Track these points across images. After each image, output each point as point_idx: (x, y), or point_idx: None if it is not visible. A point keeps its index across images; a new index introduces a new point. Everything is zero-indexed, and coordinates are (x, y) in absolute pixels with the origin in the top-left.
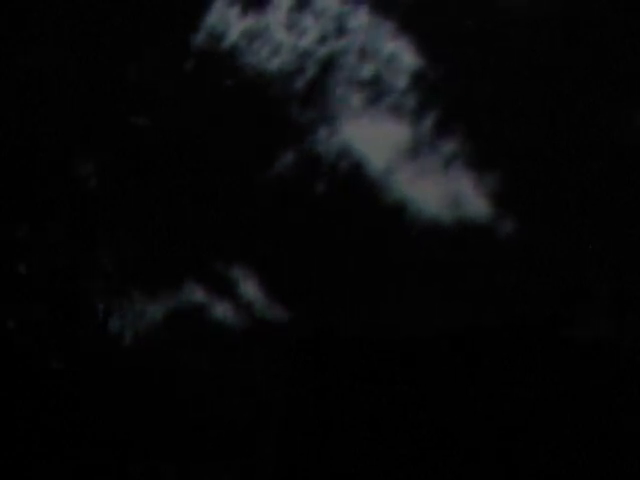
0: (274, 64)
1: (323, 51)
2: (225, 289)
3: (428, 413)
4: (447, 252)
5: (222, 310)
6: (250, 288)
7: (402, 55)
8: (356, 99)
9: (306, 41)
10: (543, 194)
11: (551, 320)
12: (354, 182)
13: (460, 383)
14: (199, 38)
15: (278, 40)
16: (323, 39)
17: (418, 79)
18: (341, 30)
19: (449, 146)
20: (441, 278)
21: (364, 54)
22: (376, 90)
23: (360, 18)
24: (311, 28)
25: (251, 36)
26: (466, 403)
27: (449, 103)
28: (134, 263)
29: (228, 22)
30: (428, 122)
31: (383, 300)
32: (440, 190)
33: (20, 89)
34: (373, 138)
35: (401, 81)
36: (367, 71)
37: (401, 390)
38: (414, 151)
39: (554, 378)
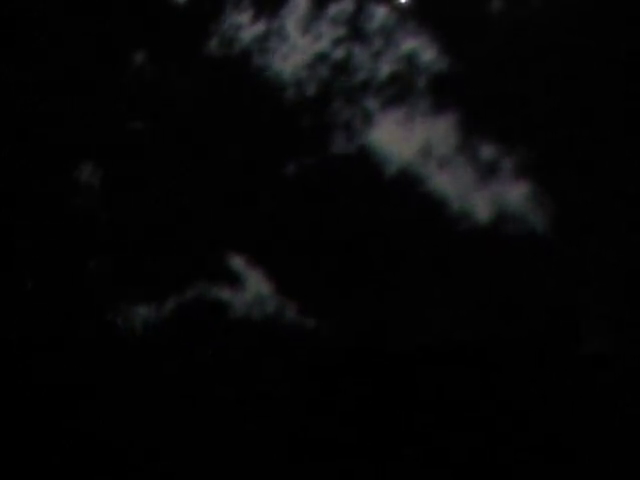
0: (288, 66)
1: (339, 52)
2: (237, 288)
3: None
4: (460, 258)
5: (233, 310)
6: (266, 291)
7: (422, 54)
8: (375, 100)
9: (322, 43)
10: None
11: (556, 334)
12: (375, 184)
13: (465, 395)
14: (212, 41)
15: (292, 42)
16: (339, 40)
17: (439, 78)
18: (358, 31)
19: (474, 146)
20: (447, 283)
21: (382, 54)
22: (396, 90)
23: (377, 18)
24: (327, 29)
25: (265, 38)
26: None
27: (472, 102)
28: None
29: (241, 24)
30: (451, 121)
31: (406, 307)
32: (459, 192)
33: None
34: (395, 139)
35: (421, 81)
36: (385, 71)
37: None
38: (438, 152)
39: (558, 392)
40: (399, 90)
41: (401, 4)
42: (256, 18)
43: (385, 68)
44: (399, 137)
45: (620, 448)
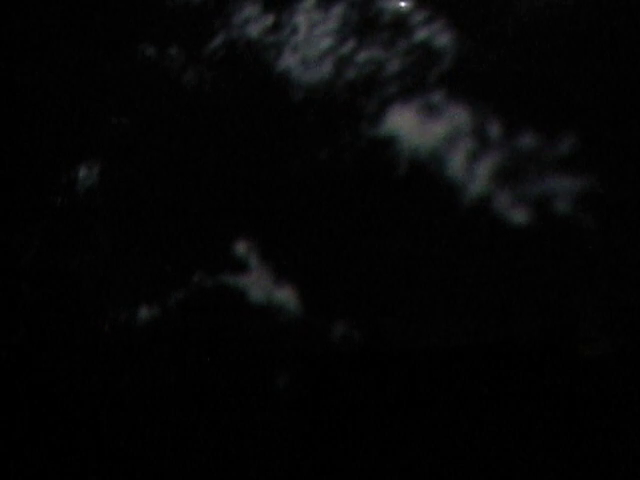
0: (296, 61)
1: (352, 44)
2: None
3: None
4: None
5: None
6: (285, 292)
7: (439, 42)
8: (391, 91)
9: (332, 37)
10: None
11: (554, 336)
12: (391, 178)
13: (467, 399)
14: (219, 37)
15: (302, 33)
16: (352, 32)
17: (457, 66)
18: (370, 21)
19: (497, 136)
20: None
21: (397, 44)
22: (413, 81)
23: (391, 7)
24: (337, 21)
25: (273, 32)
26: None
27: (492, 90)
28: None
29: (249, 19)
30: (473, 110)
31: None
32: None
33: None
34: (414, 131)
35: (437, 71)
36: (401, 63)
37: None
38: (460, 145)
39: (558, 395)
40: (416, 80)
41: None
42: (265, 9)
43: (400, 57)
44: (418, 129)
45: (622, 451)
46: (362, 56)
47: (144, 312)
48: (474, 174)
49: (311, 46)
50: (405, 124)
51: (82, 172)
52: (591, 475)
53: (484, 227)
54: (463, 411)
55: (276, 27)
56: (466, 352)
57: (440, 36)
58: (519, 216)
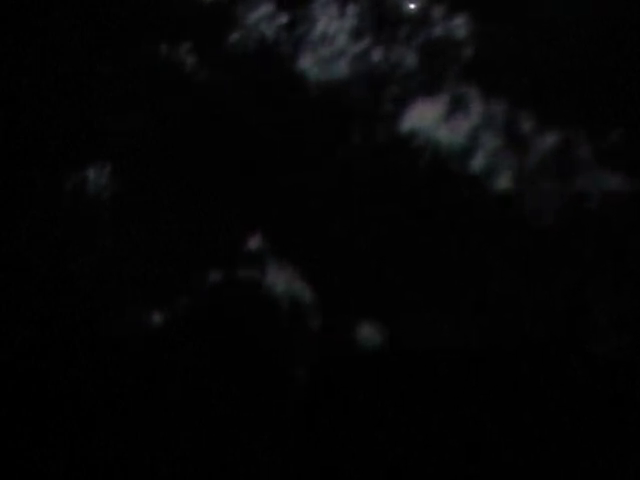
0: (313, 58)
1: (368, 39)
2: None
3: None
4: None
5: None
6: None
7: (458, 34)
8: (412, 86)
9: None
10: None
11: (564, 335)
12: (421, 173)
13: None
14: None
15: (321, 29)
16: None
17: (477, 59)
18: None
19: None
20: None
21: (414, 37)
22: (432, 75)
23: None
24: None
25: (291, 27)
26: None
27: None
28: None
29: (263, 17)
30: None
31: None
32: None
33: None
34: (435, 127)
35: (459, 64)
36: (418, 57)
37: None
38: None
39: (568, 394)
40: (435, 75)
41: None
42: (280, 7)
43: (418, 52)
44: (439, 124)
45: (631, 450)
46: (379, 52)
47: (160, 309)
48: (495, 169)
49: (327, 43)
50: (426, 118)
51: (91, 172)
52: (599, 468)
53: (504, 226)
54: (476, 408)
55: (291, 25)
56: (481, 351)
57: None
58: (541, 215)
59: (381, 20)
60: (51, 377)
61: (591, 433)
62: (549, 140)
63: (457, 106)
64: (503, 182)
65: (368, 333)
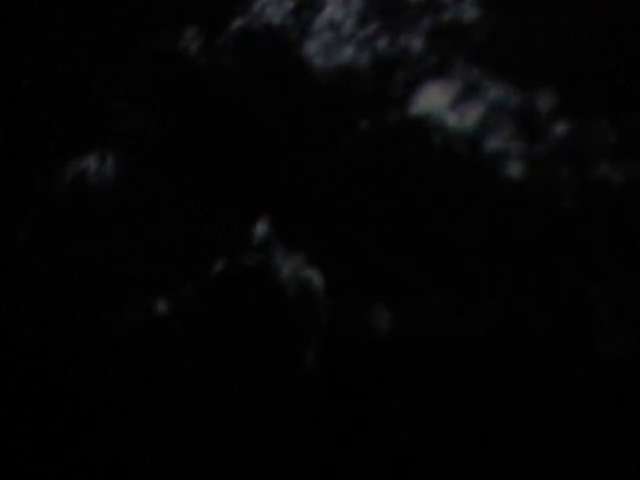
0: (319, 43)
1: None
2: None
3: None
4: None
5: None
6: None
7: (468, 17)
8: (423, 67)
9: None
10: None
11: (569, 330)
12: (431, 157)
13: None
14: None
15: (328, 14)
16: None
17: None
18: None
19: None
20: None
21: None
22: (439, 59)
23: None
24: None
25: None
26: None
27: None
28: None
29: (270, 2)
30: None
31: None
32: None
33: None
34: (447, 110)
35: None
36: (426, 40)
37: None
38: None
39: (574, 391)
40: (444, 60)
41: None
42: None
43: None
44: (449, 109)
45: (631, 448)
46: (386, 37)
47: (163, 301)
48: (506, 154)
49: (334, 29)
50: (435, 103)
51: (92, 164)
52: (599, 466)
53: (514, 213)
54: (482, 396)
55: (298, 11)
56: (485, 339)
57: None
58: (553, 203)
59: (388, 5)
60: (51, 377)
61: (592, 427)
62: (563, 126)
63: (468, 91)
64: (515, 168)
65: (376, 319)
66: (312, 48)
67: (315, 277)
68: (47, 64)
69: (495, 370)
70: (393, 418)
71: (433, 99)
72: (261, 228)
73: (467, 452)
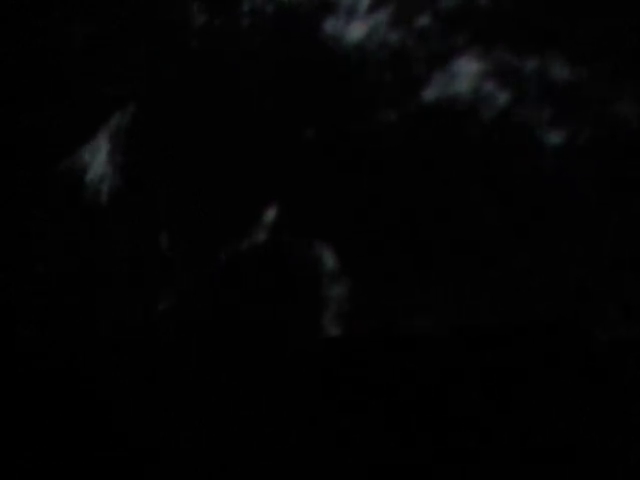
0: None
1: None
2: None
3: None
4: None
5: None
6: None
7: None
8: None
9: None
10: None
11: (571, 318)
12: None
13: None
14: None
15: None
16: None
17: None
18: None
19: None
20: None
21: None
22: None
23: None
24: None
25: None
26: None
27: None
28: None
29: None
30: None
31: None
32: None
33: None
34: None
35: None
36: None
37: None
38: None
39: (577, 382)
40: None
41: None
42: None
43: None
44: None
45: (632, 441)
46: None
47: (166, 293)
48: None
49: (349, 10)
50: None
51: (92, 160)
52: (599, 463)
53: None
54: (485, 385)
55: None
56: (491, 333)
57: None
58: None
59: None
60: (51, 377)
61: (592, 419)
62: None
63: (490, 70)
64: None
65: (393, 304)
66: (327, 29)
67: (330, 259)
68: (47, 64)
69: (497, 355)
70: (395, 410)
71: (453, 80)
72: (272, 212)
73: (468, 447)
